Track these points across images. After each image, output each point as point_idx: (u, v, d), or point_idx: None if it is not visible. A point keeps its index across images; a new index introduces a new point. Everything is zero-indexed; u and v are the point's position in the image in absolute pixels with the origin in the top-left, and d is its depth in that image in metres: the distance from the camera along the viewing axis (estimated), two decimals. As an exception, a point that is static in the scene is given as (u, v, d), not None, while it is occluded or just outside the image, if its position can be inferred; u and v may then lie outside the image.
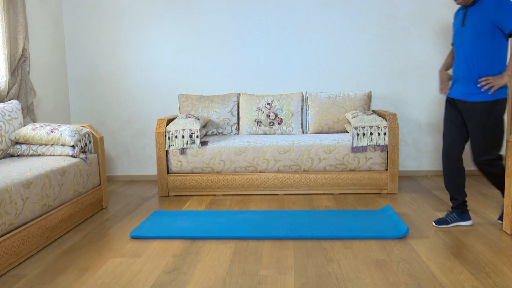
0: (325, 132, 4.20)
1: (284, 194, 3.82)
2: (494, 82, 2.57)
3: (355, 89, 4.42)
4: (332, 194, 3.78)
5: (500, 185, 2.77)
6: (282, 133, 4.21)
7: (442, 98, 4.41)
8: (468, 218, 2.88)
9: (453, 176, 2.82)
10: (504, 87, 2.63)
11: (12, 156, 3.30)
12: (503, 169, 2.72)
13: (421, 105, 4.44)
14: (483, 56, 2.63)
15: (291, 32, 4.45)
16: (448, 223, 2.87)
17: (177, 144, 3.79)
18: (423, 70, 4.40)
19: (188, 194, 3.89)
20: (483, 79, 2.60)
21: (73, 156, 3.22)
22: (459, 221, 2.86)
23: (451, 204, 3.39)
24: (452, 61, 2.95)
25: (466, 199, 2.72)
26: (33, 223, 2.59)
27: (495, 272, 2.18)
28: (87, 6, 4.54)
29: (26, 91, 3.75)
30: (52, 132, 3.25)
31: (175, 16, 4.50)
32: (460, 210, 2.86)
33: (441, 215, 3.14)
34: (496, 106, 2.63)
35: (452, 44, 2.88)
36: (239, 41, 4.49)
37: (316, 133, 4.21)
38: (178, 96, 4.42)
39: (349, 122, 4.01)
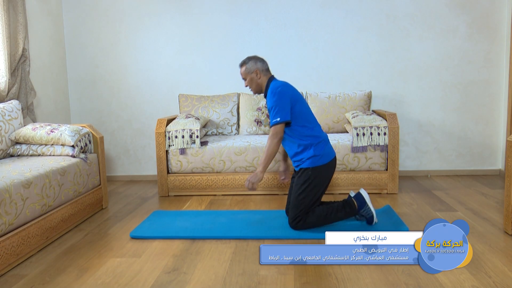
0: (325, 132, 4.19)
1: (284, 194, 3.81)
2: (252, 180, 2.72)
3: (355, 89, 4.42)
4: (332, 194, 3.78)
5: (329, 216, 2.79)
6: (282, 133, 4.20)
7: (442, 98, 4.42)
8: (355, 208, 2.83)
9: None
10: (321, 156, 2.76)
11: (12, 156, 3.30)
12: (317, 216, 2.77)
13: (421, 105, 4.44)
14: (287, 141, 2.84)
15: (291, 32, 4.45)
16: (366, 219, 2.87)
17: (177, 144, 3.79)
18: (423, 70, 4.40)
19: (188, 194, 3.89)
20: (246, 182, 2.75)
21: (73, 156, 3.22)
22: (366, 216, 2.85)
23: (450, 204, 3.40)
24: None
25: (336, 203, 2.88)
26: (33, 223, 2.58)
27: (495, 272, 2.18)
28: (87, 6, 4.54)
29: (26, 91, 3.75)
30: (52, 132, 3.25)
31: (175, 16, 4.50)
32: (351, 211, 2.83)
33: (441, 215, 3.14)
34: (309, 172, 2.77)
35: None
36: (239, 41, 4.49)
37: (316, 133, 4.21)
38: (178, 96, 4.42)
39: (349, 122, 4.01)
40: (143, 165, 4.70)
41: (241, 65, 2.88)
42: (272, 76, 2.87)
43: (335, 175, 3.75)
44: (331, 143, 3.72)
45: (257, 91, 2.91)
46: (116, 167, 4.73)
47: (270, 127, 2.72)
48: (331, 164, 2.84)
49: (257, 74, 2.80)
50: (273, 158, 2.75)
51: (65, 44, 4.61)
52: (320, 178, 2.79)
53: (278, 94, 2.71)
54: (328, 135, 3.99)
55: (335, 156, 2.89)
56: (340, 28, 4.41)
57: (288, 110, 2.70)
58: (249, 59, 2.86)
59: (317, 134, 2.82)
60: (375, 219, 2.84)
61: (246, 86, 2.91)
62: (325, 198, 3.66)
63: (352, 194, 2.89)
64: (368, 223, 2.88)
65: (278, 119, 2.68)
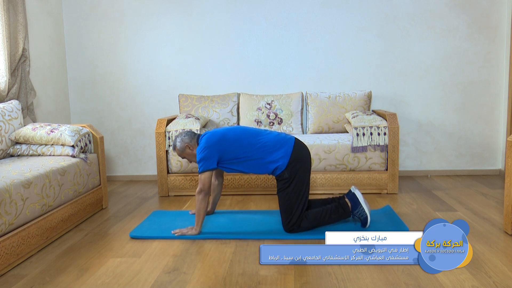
0: (325, 132, 4.20)
1: (284, 194, 3.81)
2: (184, 232, 2.80)
3: (355, 89, 4.42)
4: (332, 194, 3.78)
5: (323, 219, 2.79)
6: (282, 133, 4.20)
7: (442, 98, 4.42)
8: (348, 210, 2.81)
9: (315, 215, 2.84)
10: (280, 160, 2.74)
11: (12, 156, 3.30)
12: (311, 220, 2.78)
13: (421, 105, 4.44)
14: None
15: (291, 32, 4.45)
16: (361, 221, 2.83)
17: (177, 144, 3.79)
18: (423, 70, 4.40)
19: (188, 194, 3.89)
20: (177, 230, 2.83)
21: (73, 156, 3.22)
22: (360, 217, 2.81)
23: (450, 204, 3.40)
24: None
25: (330, 203, 2.89)
26: (33, 223, 2.58)
27: (495, 272, 2.19)
28: (87, 6, 4.54)
29: (26, 91, 3.75)
30: (52, 132, 3.25)
31: (175, 16, 4.50)
32: (345, 212, 2.82)
33: (441, 215, 3.14)
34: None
35: None
36: (239, 41, 4.49)
37: (316, 133, 4.21)
38: (178, 96, 4.42)
39: (349, 122, 4.01)
40: (143, 165, 4.70)
41: (174, 149, 2.95)
42: (198, 136, 2.89)
43: (334, 175, 3.76)
44: (330, 143, 3.74)
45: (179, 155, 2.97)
46: (116, 167, 4.73)
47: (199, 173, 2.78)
48: (298, 156, 2.77)
49: (189, 147, 2.88)
50: (205, 212, 2.80)
51: (65, 44, 4.61)
52: (297, 174, 2.74)
53: (203, 149, 2.77)
54: (328, 135, 3.99)
55: (298, 148, 2.80)
56: (340, 28, 4.41)
57: (213, 160, 2.75)
58: (175, 140, 2.92)
59: (262, 151, 2.79)
60: (369, 221, 2.78)
61: (191, 162, 3.01)
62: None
63: (353, 189, 2.85)
64: (362, 226, 2.81)
65: (202, 167, 2.73)
